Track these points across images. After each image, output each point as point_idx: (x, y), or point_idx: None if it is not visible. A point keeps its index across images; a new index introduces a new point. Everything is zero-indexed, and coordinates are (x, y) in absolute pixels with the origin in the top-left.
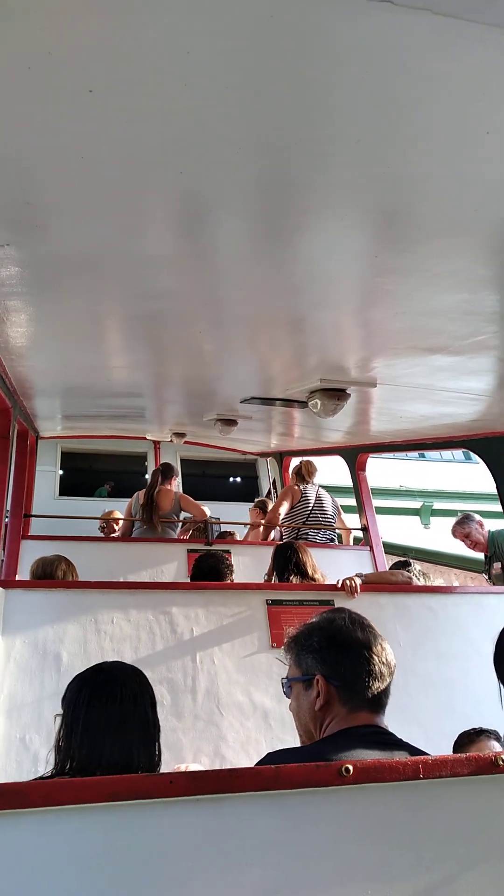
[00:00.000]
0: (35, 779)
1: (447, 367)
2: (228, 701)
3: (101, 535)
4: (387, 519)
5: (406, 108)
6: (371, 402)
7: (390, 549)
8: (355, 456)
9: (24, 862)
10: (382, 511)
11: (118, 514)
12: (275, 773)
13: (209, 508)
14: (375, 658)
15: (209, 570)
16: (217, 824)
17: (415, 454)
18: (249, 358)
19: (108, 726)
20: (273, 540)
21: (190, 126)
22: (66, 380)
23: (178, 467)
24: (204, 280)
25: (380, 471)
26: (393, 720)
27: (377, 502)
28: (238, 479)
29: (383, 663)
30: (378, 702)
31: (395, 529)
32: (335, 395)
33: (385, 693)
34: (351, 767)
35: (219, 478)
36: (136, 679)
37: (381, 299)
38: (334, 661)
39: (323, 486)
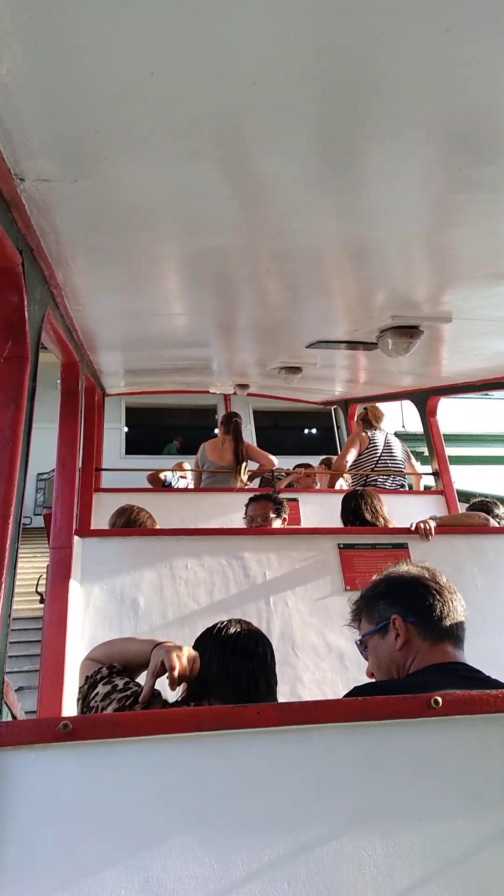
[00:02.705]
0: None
1: None
2: (303, 643)
3: None
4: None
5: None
6: (442, 339)
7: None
8: (426, 400)
9: (115, 790)
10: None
11: (187, 466)
12: (362, 704)
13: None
14: (445, 591)
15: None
16: (304, 755)
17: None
18: (316, 298)
19: (244, 671)
20: (342, 488)
21: (256, 40)
22: (130, 330)
23: (251, 419)
24: (268, 211)
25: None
26: (471, 662)
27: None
28: (314, 431)
29: (455, 597)
30: (457, 635)
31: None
32: (408, 332)
33: (461, 627)
34: (440, 699)
35: (293, 430)
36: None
37: (458, 220)
38: (406, 600)
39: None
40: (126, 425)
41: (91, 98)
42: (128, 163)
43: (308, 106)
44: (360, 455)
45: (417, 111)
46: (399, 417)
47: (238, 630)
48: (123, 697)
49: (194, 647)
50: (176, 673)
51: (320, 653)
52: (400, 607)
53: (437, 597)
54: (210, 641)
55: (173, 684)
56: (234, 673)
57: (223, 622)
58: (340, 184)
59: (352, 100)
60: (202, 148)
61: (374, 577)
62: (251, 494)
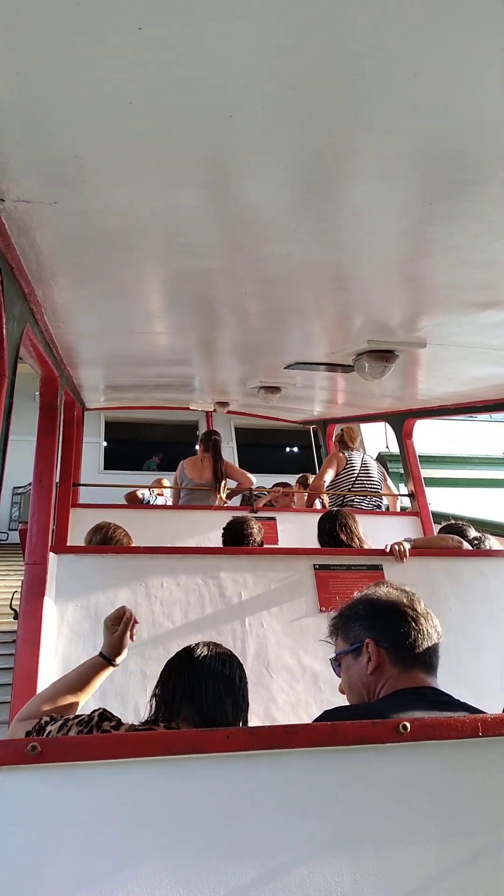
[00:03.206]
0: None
1: (500, 324)
2: (278, 664)
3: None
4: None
5: (461, 41)
6: (419, 363)
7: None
8: (402, 422)
9: (82, 813)
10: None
11: (166, 483)
12: (331, 729)
13: (255, 478)
14: (421, 618)
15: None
16: (274, 779)
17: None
18: (295, 320)
19: (210, 694)
20: (319, 507)
21: (239, 66)
22: (110, 347)
23: (232, 436)
24: (248, 236)
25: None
26: (443, 684)
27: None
28: (296, 449)
29: (430, 624)
30: (429, 662)
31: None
32: (383, 356)
33: (435, 653)
34: (409, 724)
35: (275, 447)
36: (237, 663)
37: (430, 250)
38: (381, 624)
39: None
40: (105, 440)
41: (71, 125)
42: (108, 187)
43: (285, 139)
44: (337, 475)
45: (390, 148)
46: (383, 438)
47: (205, 653)
48: (80, 722)
49: (163, 671)
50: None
51: (295, 674)
52: (375, 632)
53: (413, 624)
54: (176, 664)
55: (133, 635)
56: (199, 695)
57: (192, 645)
58: (318, 213)
59: (327, 135)
60: (182, 175)
61: (354, 595)
62: (230, 514)
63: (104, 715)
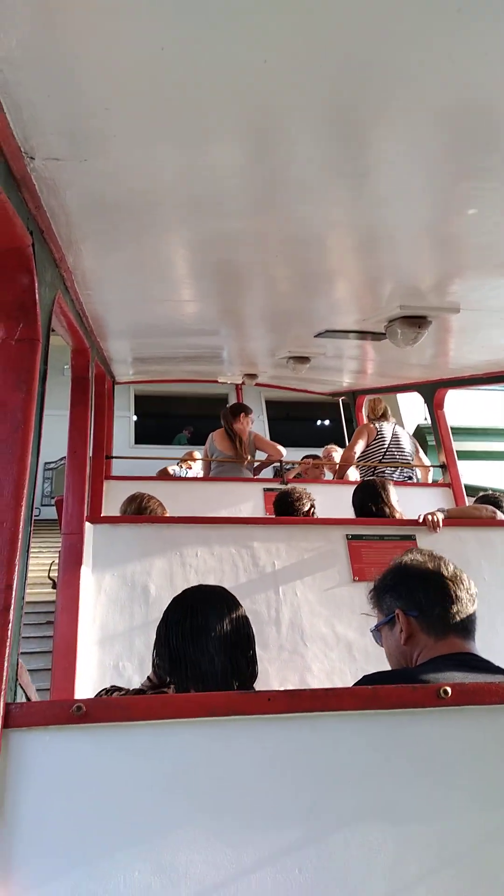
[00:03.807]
0: (129, 691)
1: None
2: (312, 632)
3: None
4: None
5: None
6: (450, 330)
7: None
8: (433, 392)
9: (125, 772)
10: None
11: (197, 455)
12: (372, 692)
13: (286, 451)
14: (451, 584)
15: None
16: (315, 742)
17: None
18: (325, 285)
19: (184, 639)
20: (349, 479)
21: (266, 18)
22: (138, 317)
23: (262, 410)
24: (279, 195)
25: None
26: (479, 653)
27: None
28: (326, 423)
29: (461, 587)
30: (464, 626)
31: None
32: (416, 322)
33: (470, 619)
34: (449, 689)
35: (306, 420)
36: (208, 596)
37: (467, 208)
38: (409, 593)
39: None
40: (135, 414)
41: (101, 73)
42: (138, 141)
43: (319, 85)
44: (367, 446)
45: (426, 96)
46: (423, 410)
47: (184, 609)
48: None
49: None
50: None
51: (329, 643)
52: (403, 601)
53: (441, 590)
54: (163, 630)
55: None
56: (191, 662)
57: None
58: (351, 168)
59: (362, 82)
60: (213, 126)
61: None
62: (260, 486)
63: (113, 689)
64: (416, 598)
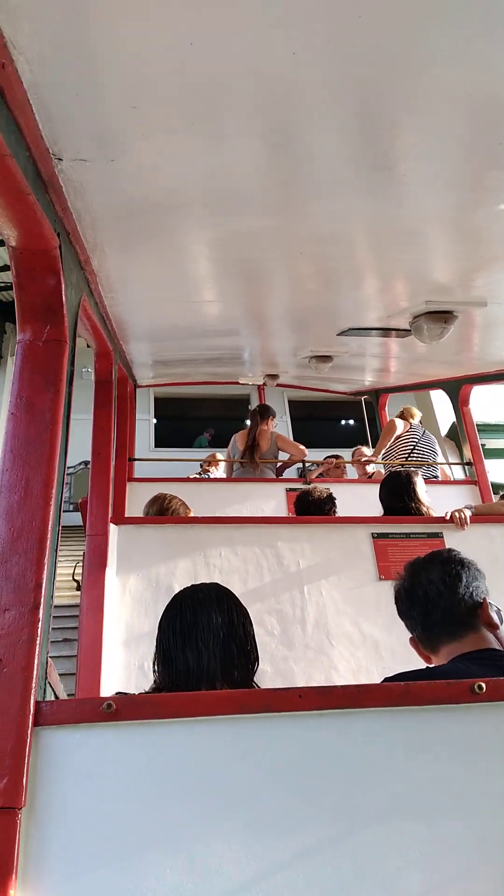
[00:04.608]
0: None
1: None
2: (338, 631)
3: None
4: None
5: None
6: (476, 325)
7: None
8: (458, 389)
9: (155, 769)
10: None
11: (220, 456)
12: (404, 689)
13: (309, 451)
14: (441, 590)
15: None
16: (347, 739)
17: None
18: (349, 282)
19: (174, 639)
20: (375, 475)
21: (295, 9)
22: (160, 319)
23: (286, 410)
24: (303, 191)
25: None
26: None
27: None
28: (351, 422)
29: (449, 588)
30: (455, 626)
31: None
32: (441, 317)
33: (454, 615)
34: (484, 685)
35: (329, 420)
36: (203, 594)
37: (494, 199)
38: (406, 612)
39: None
40: (155, 416)
41: (130, 69)
42: (166, 140)
43: (347, 78)
44: (398, 438)
45: (454, 85)
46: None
47: (175, 609)
48: None
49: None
50: None
51: (355, 642)
52: (406, 621)
53: (426, 603)
54: (158, 634)
55: None
56: (181, 661)
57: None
58: (376, 161)
59: (388, 73)
60: (239, 124)
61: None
62: (282, 486)
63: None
64: (411, 618)
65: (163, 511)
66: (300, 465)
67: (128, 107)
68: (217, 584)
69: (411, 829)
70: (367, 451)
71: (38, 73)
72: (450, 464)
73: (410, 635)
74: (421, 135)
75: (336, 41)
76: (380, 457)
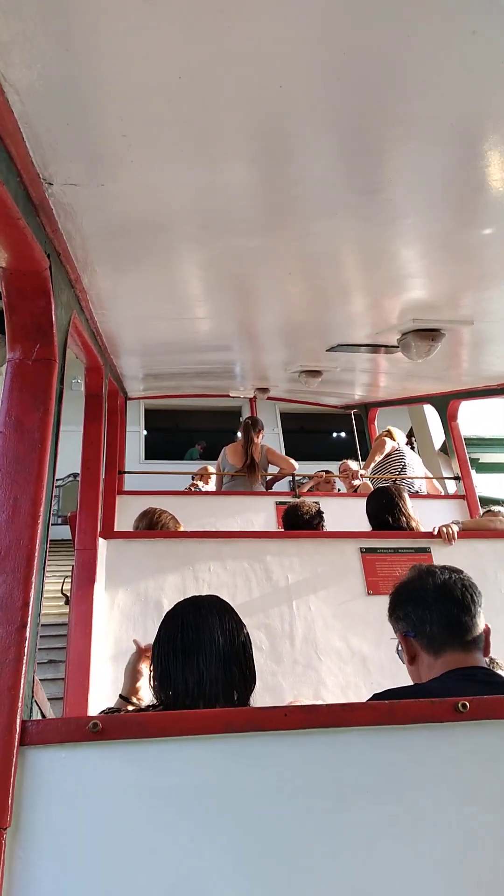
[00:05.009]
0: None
1: None
2: (326, 646)
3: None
4: None
5: None
6: (463, 342)
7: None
8: (446, 404)
9: (141, 789)
10: None
11: (211, 469)
12: (389, 707)
13: (300, 465)
14: (441, 598)
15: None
16: (332, 757)
17: None
18: (338, 300)
19: (175, 657)
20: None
21: (281, 44)
22: (151, 335)
23: (277, 423)
24: (293, 212)
25: None
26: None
27: None
28: (343, 435)
29: (455, 600)
30: (465, 639)
31: None
32: (429, 335)
33: (468, 629)
34: (468, 703)
35: (321, 433)
36: (206, 610)
37: (478, 221)
38: (405, 615)
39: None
40: (145, 428)
41: (119, 101)
42: (155, 165)
43: (333, 107)
44: (387, 456)
45: (438, 111)
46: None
47: (175, 625)
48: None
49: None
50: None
51: (343, 657)
52: (402, 623)
53: (431, 607)
54: (155, 648)
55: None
56: (180, 681)
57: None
58: (364, 185)
59: (375, 101)
60: (229, 149)
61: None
62: (272, 500)
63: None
64: (410, 619)
65: (152, 525)
66: (290, 478)
67: (117, 135)
68: (218, 599)
69: (396, 845)
70: (353, 464)
71: (29, 105)
72: (438, 478)
73: (404, 632)
74: (406, 160)
75: (322, 73)
76: (369, 470)
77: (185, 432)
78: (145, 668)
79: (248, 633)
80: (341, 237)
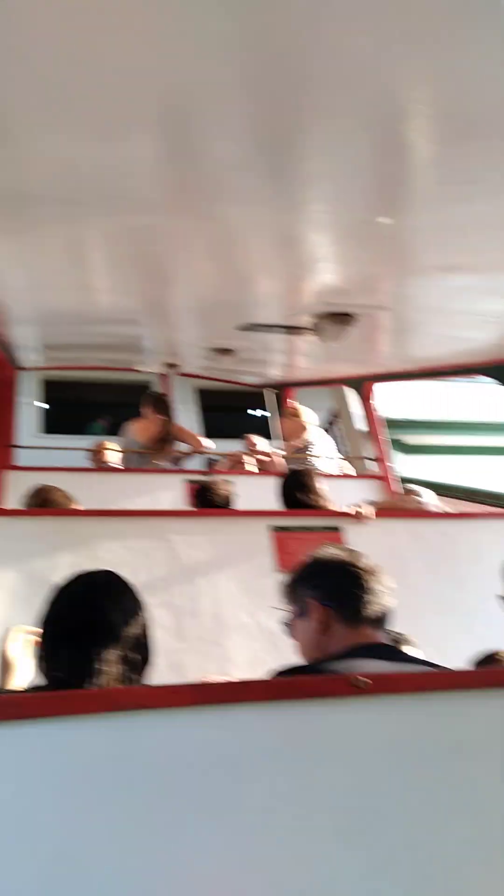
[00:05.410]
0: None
1: (465, 288)
2: (234, 623)
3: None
4: None
5: None
6: (379, 327)
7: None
8: (362, 386)
9: (20, 774)
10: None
11: (110, 446)
12: (285, 682)
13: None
14: (366, 574)
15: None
16: (224, 734)
17: None
18: (249, 281)
19: (64, 639)
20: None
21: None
22: (48, 304)
23: (191, 399)
24: (197, 192)
25: None
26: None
27: None
28: (267, 414)
29: (376, 580)
30: (378, 619)
31: None
32: (342, 319)
33: (384, 611)
34: (366, 679)
35: (238, 411)
36: (99, 588)
37: (393, 210)
38: (325, 584)
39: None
40: (45, 401)
41: (21, 74)
42: (44, 130)
43: (243, 87)
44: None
45: (347, 101)
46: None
47: (63, 608)
48: None
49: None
50: None
51: (252, 633)
52: (319, 591)
53: (357, 581)
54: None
55: None
56: (70, 664)
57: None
58: (276, 171)
59: (285, 87)
60: (131, 125)
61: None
62: (179, 477)
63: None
64: (332, 588)
65: (44, 504)
66: (201, 455)
67: (22, 103)
68: (115, 575)
69: (293, 825)
70: (258, 440)
71: None
72: (355, 458)
73: (321, 600)
74: (316, 148)
75: (236, 50)
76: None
77: (90, 406)
78: (21, 653)
79: (146, 615)
80: (249, 221)
